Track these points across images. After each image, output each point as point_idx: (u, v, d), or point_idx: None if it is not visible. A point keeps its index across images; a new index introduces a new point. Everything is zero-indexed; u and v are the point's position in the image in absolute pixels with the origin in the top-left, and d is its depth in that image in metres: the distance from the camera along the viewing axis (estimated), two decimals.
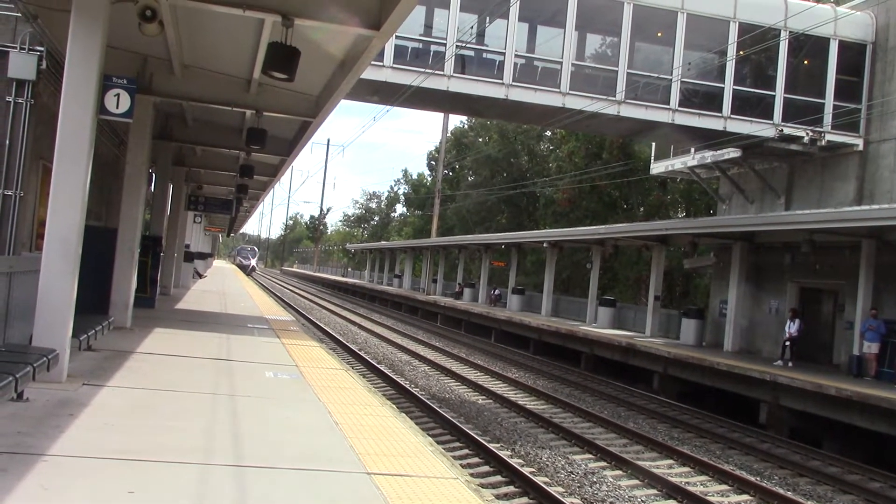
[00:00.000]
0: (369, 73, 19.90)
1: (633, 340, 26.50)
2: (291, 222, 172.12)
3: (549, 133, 62.42)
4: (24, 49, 14.90)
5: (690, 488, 12.55)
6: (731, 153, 28.11)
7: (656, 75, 25.01)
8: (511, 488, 11.70)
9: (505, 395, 20.00)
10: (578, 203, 53.40)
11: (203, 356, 12.69)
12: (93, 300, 13.12)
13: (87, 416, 7.59)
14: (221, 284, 41.56)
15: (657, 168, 34.70)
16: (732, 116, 25.21)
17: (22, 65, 14.95)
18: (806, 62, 26.55)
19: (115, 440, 6.89)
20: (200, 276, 44.38)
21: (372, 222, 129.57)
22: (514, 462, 12.88)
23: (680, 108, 24.92)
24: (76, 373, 9.53)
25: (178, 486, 5.84)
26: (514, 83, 23.82)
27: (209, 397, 9.30)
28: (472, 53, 24.32)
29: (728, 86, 25.32)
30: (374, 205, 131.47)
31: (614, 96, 24.29)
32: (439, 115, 72.67)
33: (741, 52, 25.32)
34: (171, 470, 6.23)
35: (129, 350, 12.19)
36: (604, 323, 33.05)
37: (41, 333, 9.01)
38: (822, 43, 25.79)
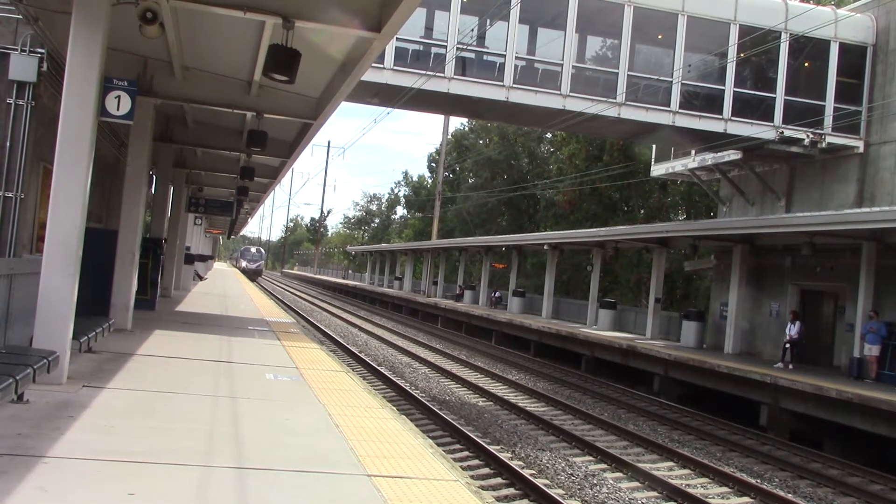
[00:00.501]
0: (370, 76, 19.90)
1: (633, 343, 26.49)
2: (292, 224, 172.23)
3: (549, 135, 62.43)
4: (24, 51, 14.92)
5: (691, 490, 12.54)
6: (732, 155, 28.11)
7: (657, 77, 25.03)
8: (511, 490, 11.70)
9: (505, 398, 19.99)
10: (579, 205, 53.39)
11: (204, 358, 12.69)
12: (93, 302, 13.13)
13: (87, 418, 7.58)
14: (222, 287, 41.58)
15: (658, 170, 34.70)
16: (733, 118, 25.22)
17: (23, 67, 14.96)
18: (806, 64, 26.56)
19: (116, 442, 6.89)
20: (201, 278, 44.39)
21: (372, 224, 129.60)
22: (515, 464, 12.88)
23: (680, 111, 24.94)
24: (76, 375, 9.54)
25: (178, 488, 5.83)
26: (514, 85, 23.85)
27: (210, 399, 9.30)
28: (472, 56, 24.33)
29: (729, 88, 25.33)
30: (374, 207, 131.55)
31: (615, 98, 24.31)
32: (440, 117, 72.62)
33: (742, 55, 25.33)
34: (172, 472, 6.22)
35: (129, 352, 12.19)
36: (604, 325, 33.04)
37: (41, 335, 9.01)
38: (823, 45, 25.81)
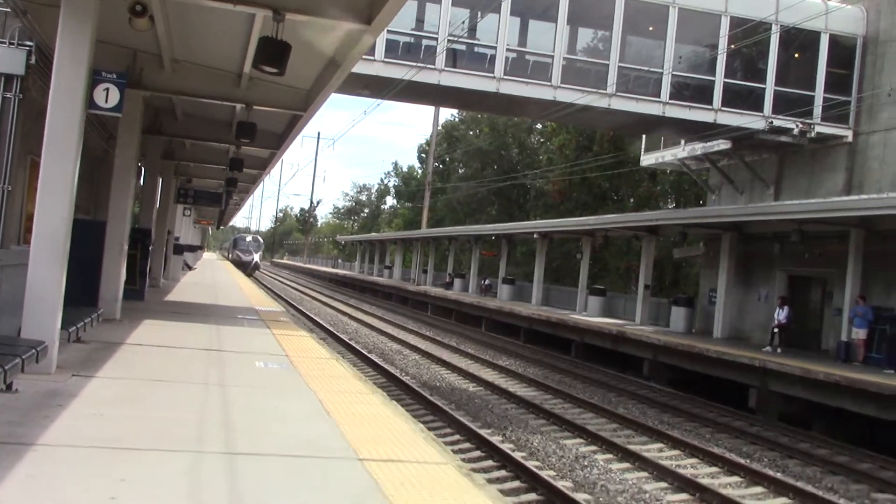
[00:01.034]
0: (360, 67, 19.90)
1: (623, 328, 26.64)
2: (281, 215, 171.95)
3: (539, 126, 62.46)
4: (13, 44, 14.87)
5: (681, 471, 12.67)
6: (721, 145, 28.24)
7: (647, 69, 25.09)
8: (502, 472, 11.82)
9: (495, 383, 20.11)
10: (569, 195, 53.50)
11: (193, 347, 12.74)
12: (82, 292, 13.14)
13: (76, 407, 7.62)
14: (211, 276, 41.56)
15: (647, 160, 34.81)
16: (723, 109, 25.34)
17: (10, 59, 14.89)
18: (797, 55, 26.67)
19: (105, 430, 6.92)
20: (190, 268, 44.34)
21: (362, 214, 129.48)
22: (506, 447, 13.00)
23: (671, 101, 25.03)
24: (65, 364, 9.56)
25: (169, 475, 5.87)
26: (505, 77, 23.89)
27: (199, 387, 9.34)
28: (463, 47, 24.36)
29: (719, 79, 25.43)
30: (364, 197, 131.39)
31: (606, 90, 24.36)
32: (430, 109, 72.62)
33: (732, 46, 25.41)
34: (162, 458, 6.26)
35: (118, 341, 12.21)
36: (594, 312, 33.18)
37: (30, 325, 9.03)
38: (813, 37, 25.91)
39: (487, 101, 26.35)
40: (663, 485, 12.17)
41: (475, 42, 24.45)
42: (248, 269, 69.28)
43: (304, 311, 37.48)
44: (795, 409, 19.00)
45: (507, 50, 24.11)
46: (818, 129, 25.71)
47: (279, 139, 22.07)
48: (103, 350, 11.22)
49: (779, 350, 22.25)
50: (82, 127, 9.70)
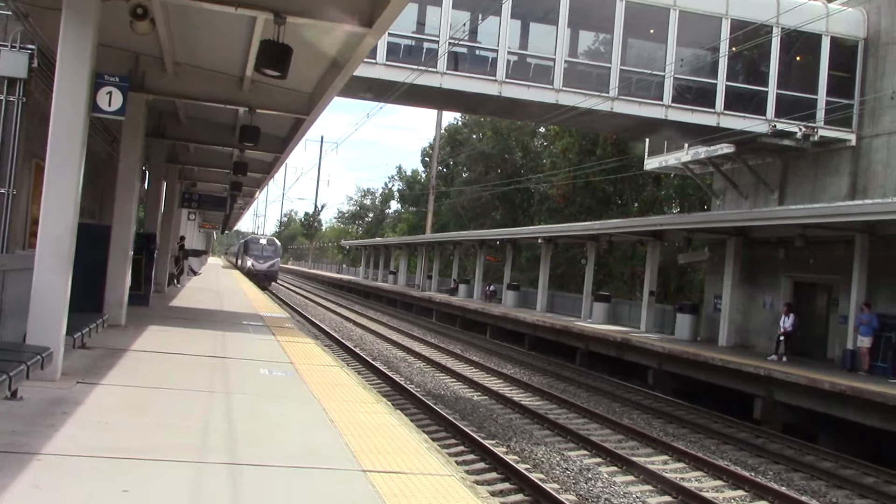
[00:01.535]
0: (362, 70, 19.85)
1: (627, 336, 26.54)
2: (286, 219, 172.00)
3: (542, 129, 62.40)
4: (15, 47, 14.85)
5: (685, 484, 12.59)
6: (725, 149, 28.14)
7: (649, 72, 25.04)
8: (506, 485, 11.73)
9: (500, 392, 20.03)
10: (573, 199, 53.40)
11: (198, 353, 12.68)
12: (87, 298, 13.10)
13: (81, 415, 7.58)
14: (216, 282, 41.51)
15: (651, 164, 34.73)
16: (726, 112, 25.23)
17: (13, 63, 14.88)
18: (798, 58, 26.57)
19: (110, 438, 6.88)
20: (195, 273, 44.31)
21: (367, 219, 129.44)
22: (510, 459, 12.92)
23: (673, 104, 24.94)
24: (70, 371, 9.52)
25: (172, 485, 5.84)
26: (507, 80, 23.81)
27: (204, 395, 9.29)
28: (465, 51, 24.32)
29: (721, 82, 25.34)
30: (368, 201, 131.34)
31: (608, 93, 24.31)
32: (433, 112, 72.64)
33: (734, 49, 25.34)
34: (166, 468, 6.22)
35: (123, 348, 12.17)
36: (599, 318, 33.09)
37: (35, 331, 8.99)
38: (815, 39, 25.82)
39: (490, 105, 26.30)
40: (668, 499, 12.09)
41: (476, 45, 24.40)
42: (263, 280, 55.78)
43: (309, 317, 37.43)
44: (800, 419, 18.90)
45: (509, 53, 24.04)
46: (821, 132, 25.61)
47: (283, 143, 22.05)
48: (108, 356, 11.17)
49: (784, 358, 22.13)
50: (86, 130, 9.67)
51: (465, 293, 48.56)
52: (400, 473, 6.74)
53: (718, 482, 13.37)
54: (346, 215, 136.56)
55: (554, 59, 24.27)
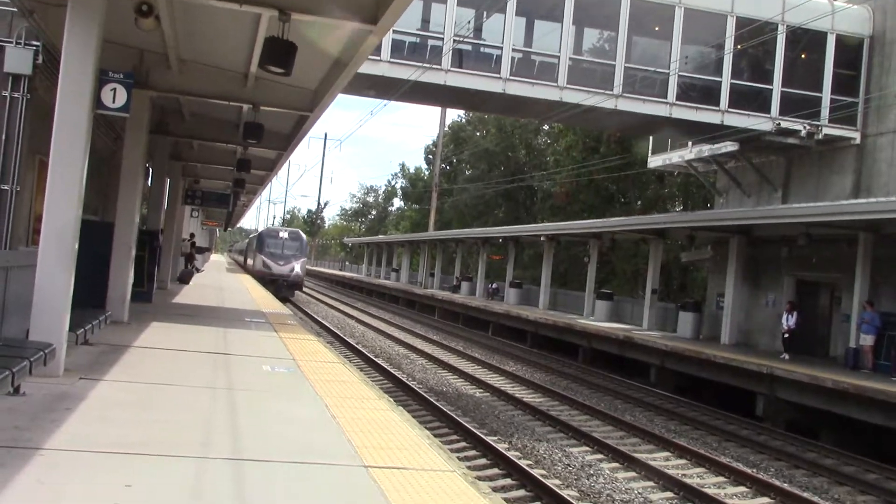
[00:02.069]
0: (366, 68, 19.85)
1: (630, 333, 26.54)
2: (289, 216, 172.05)
3: (546, 127, 62.36)
4: (20, 44, 14.88)
5: (687, 480, 12.59)
6: (729, 147, 28.11)
7: (654, 69, 25.01)
8: (508, 481, 11.75)
9: (502, 388, 20.04)
10: (576, 197, 53.39)
11: (200, 350, 12.71)
12: (90, 294, 13.10)
13: (84, 410, 7.60)
14: (219, 279, 41.56)
15: (654, 162, 34.70)
16: (730, 110, 25.20)
17: (18, 59, 14.91)
18: (803, 56, 26.54)
19: (113, 434, 6.91)
20: (198, 270, 44.36)
21: (369, 216, 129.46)
22: (511, 454, 12.94)
23: (678, 102, 24.90)
24: (73, 367, 9.55)
25: (175, 480, 5.86)
26: (511, 77, 23.81)
27: (206, 391, 9.32)
28: (469, 48, 24.30)
29: (725, 80, 25.31)
30: (371, 199, 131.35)
31: (612, 90, 24.28)
32: (437, 109, 72.67)
33: (738, 47, 25.31)
34: (169, 463, 6.24)
35: (126, 344, 12.20)
36: (601, 316, 33.08)
37: (38, 328, 9.01)
38: (820, 37, 25.78)
39: (493, 102, 26.29)
40: (669, 495, 12.09)
41: (481, 42, 24.38)
42: (283, 288, 42.57)
43: (311, 314, 37.46)
44: (803, 417, 18.90)
45: (513, 50, 24.03)
46: (826, 130, 25.58)
47: (286, 140, 22.05)
48: (111, 353, 11.21)
49: (786, 357, 22.13)
50: (90, 127, 9.69)
51: (468, 291, 48.57)
52: (402, 469, 6.76)
53: (720, 479, 13.37)
54: (349, 213, 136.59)
55: (558, 57, 24.25)
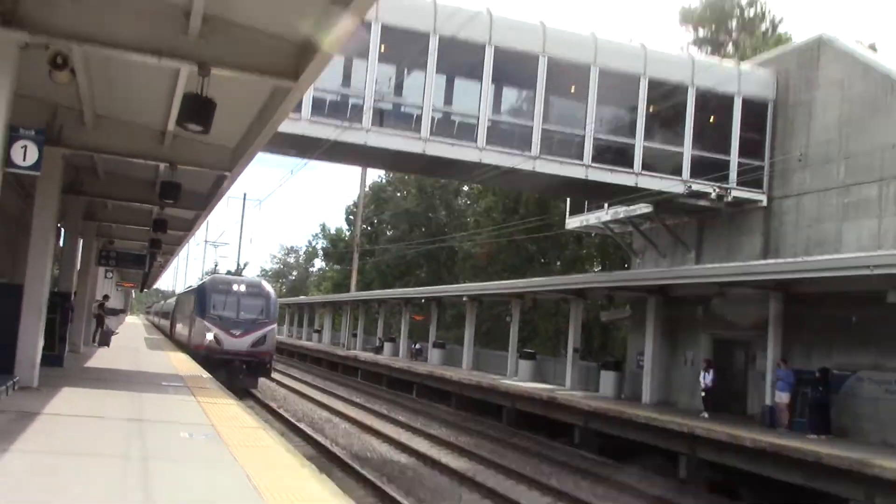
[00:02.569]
0: (286, 126, 19.65)
1: (553, 394, 26.56)
2: (207, 277, 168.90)
3: (466, 188, 63.06)
4: None
5: None
6: (643, 209, 28.74)
7: (570, 130, 25.44)
8: None
9: (428, 454, 19.75)
10: (496, 257, 53.86)
11: (114, 416, 12.17)
12: None
13: None
14: (134, 340, 40.27)
15: (572, 223, 35.20)
16: (643, 173, 25.71)
17: None
18: (712, 119, 27.37)
19: None
20: (112, 332, 42.98)
21: (290, 277, 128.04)
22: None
23: (593, 164, 25.26)
24: None
25: None
26: (431, 138, 23.88)
27: (120, 461, 8.85)
28: (390, 107, 24.40)
29: (639, 142, 25.82)
30: (292, 259, 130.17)
31: (530, 151, 24.58)
32: (357, 169, 72.79)
33: (651, 109, 25.99)
34: None
35: (35, 411, 11.58)
36: (524, 376, 33.07)
37: None
38: (727, 100, 26.64)
39: (414, 163, 26.37)
40: None
41: (401, 101, 24.51)
42: (242, 372, 28.62)
43: None
44: (724, 477, 19.04)
45: (434, 110, 24.17)
46: (734, 193, 26.35)
47: (205, 199, 21.64)
48: (18, 420, 10.60)
49: (706, 415, 22.40)
50: None
51: (391, 351, 48.16)
52: None
53: None
54: (269, 273, 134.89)
55: (478, 118, 24.47)
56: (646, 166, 25.78)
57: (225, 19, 10.03)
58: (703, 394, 23.23)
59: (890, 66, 24.35)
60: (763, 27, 52.04)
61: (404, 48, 23.79)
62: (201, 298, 30.29)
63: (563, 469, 20.01)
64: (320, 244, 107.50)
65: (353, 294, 58.22)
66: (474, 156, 24.34)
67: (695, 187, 25.98)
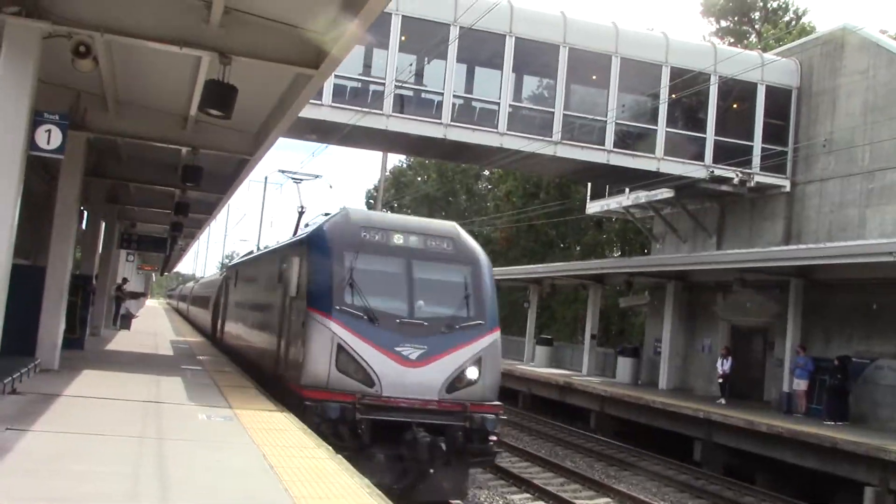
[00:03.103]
0: (308, 112, 19.81)
1: (570, 379, 26.64)
2: (228, 261, 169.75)
3: (487, 172, 63.00)
4: None
5: None
6: (665, 193, 28.66)
7: (592, 117, 25.44)
8: None
9: None
10: (516, 242, 53.80)
11: (134, 398, 12.36)
12: (19, 341, 12.71)
13: (9, 462, 7.29)
14: (154, 325, 40.70)
15: (593, 208, 35.18)
16: (665, 158, 25.70)
17: None
18: (735, 106, 27.31)
19: (41, 487, 6.63)
20: (132, 316, 43.48)
21: None
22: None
23: (615, 150, 25.32)
24: None
25: None
26: (452, 123, 23.98)
27: (138, 441, 9.04)
28: (410, 93, 24.45)
29: (661, 128, 25.83)
30: None
31: (551, 137, 24.60)
32: (378, 154, 72.87)
33: (673, 96, 25.93)
34: None
35: (56, 393, 11.81)
36: (541, 362, 33.16)
37: None
38: (750, 88, 26.57)
39: (435, 147, 26.44)
40: None
41: (422, 88, 24.56)
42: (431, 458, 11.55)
43: None
44: (740, 461, 19.11)
45: (454, 96, 24.24)
46: (757, 178, 26.28)
47: (226, 183, 21.82)
48: (40, 402, 10.83)
49: (723, 401, 22.43)
50: (23, 169, 9.50)
51: None
52: None
53: None
54: None
55: (498, 104, 24.53)
56: (668, 152, 25.74)
57: (246, 9, 10.13)
58: (720, 380, 23.24)
59: None
60: (786, 18, 51.67)
61: (425, 38, 23.84)
62: (320, 267, 12.92)
63: (578, 452, 20.14)
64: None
65: None
66: (495, 140, 24.41)
67: (717, 172, 25.92)
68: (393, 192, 75.95)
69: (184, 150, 16.98)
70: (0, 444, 7.98)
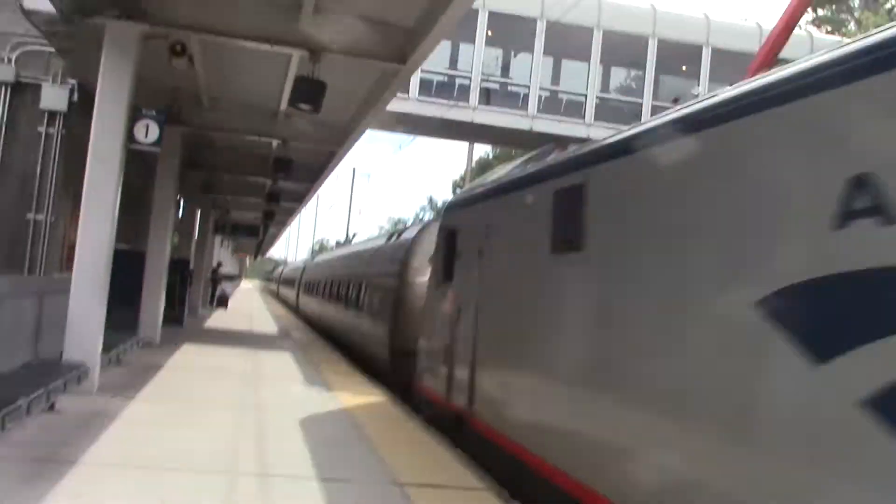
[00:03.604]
0: (395, 105, 20.12)
1: None
2: (317, 248, 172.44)
3: None
4: (56, 82, 15.46)
5: None
6: None
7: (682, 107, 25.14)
8: None
9: None
10: None
11: (231, 370, 12.94)
12: (123, 318, 13.50)
13: (116, 428, 7.78)
14: (248, 306, 41.84)
15: None
16: None
17: (54, 97, 15.52)
18: None
19: (145, 450, 7.05)
20: (228, 295, 44.84)
21: None
22: None
23: None
24: (106, 386, 9.79)
25: (206, 496, 5.89)
26: (538, 115, 24.05)
27: (236, 410, 9.49)
28: (496, 87, 24.63)
29: None
30: None
31: None
32: (464, 145, 73.07)
33: None
34: (200, 480, 6.28)
35: (157, 364, 12.48)
36: None
37: (72, 349, 9.35)
38: None
39: (520, 139, 26.55)
40: None
41: (508, 81, 24.73)
42: None
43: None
44: None
45: (540, 89, 24.32)
46: None
47: (315, 173, 22.35)
48: (142, 373, 11.46)
49: None
50: (123, 161, 10.01)
51: None
52: (435, 487, 6.66)
53: None
54: None
55: (585, 95, 24.50)
56: None
57: (335, 6, 10.47)
58: None
59: None
60: (888, 5, 49.67)
61: (511, 32, 23.99)
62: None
63: None
64: (427, 216, 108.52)
65: None
66: (582, 131, 24.34)
67: None
68: None
69: (274, 142, 17.52)
70: (107, 410, 8.53)
